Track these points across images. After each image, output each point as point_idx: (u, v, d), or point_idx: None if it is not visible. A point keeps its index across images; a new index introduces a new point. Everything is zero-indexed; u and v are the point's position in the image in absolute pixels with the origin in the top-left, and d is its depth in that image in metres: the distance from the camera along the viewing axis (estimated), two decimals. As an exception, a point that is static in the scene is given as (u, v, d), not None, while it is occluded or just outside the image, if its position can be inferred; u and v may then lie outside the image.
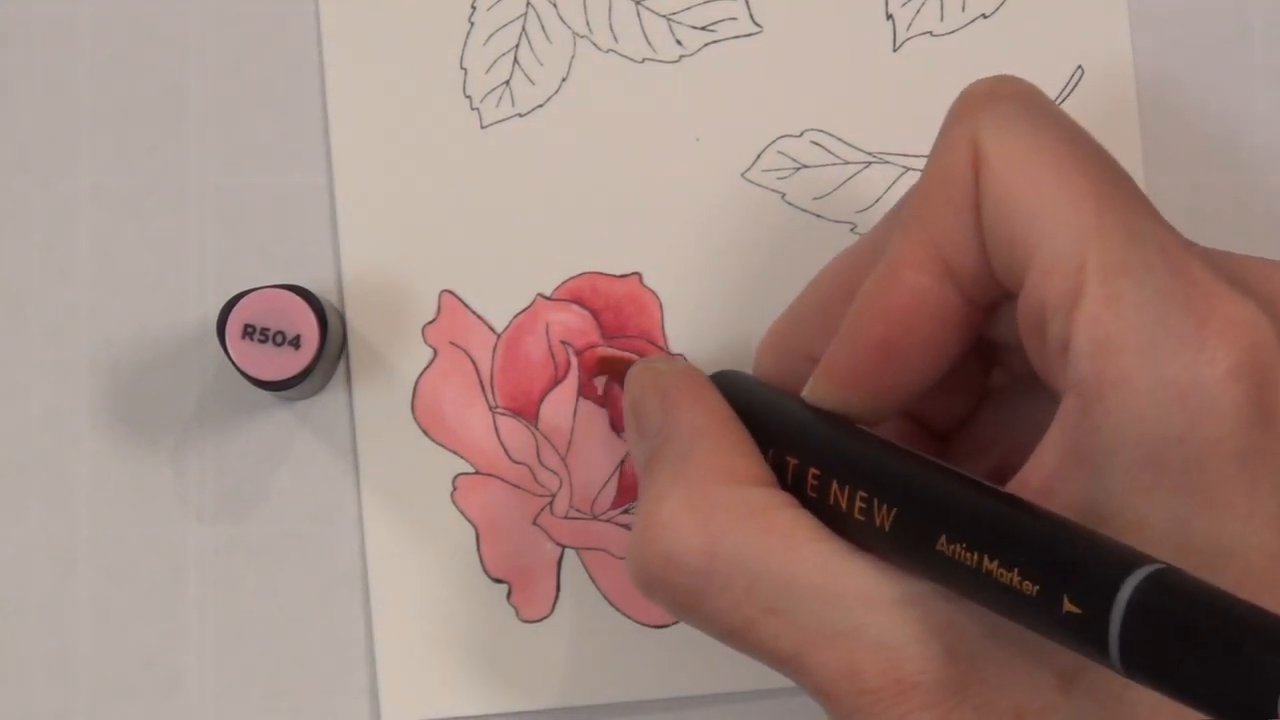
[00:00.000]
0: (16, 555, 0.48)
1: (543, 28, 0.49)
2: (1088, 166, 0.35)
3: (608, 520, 0.48)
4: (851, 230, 0.49)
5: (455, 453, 0.48)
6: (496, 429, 0.48)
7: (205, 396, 0.48)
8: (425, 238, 0.49)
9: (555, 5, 0.49)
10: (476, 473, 0.48)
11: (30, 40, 0.49)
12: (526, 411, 0.48)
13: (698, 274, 0.49)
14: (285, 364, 0.45)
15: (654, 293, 0.49)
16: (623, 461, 0.48)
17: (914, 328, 0.37)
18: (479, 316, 0.49)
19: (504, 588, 0.48)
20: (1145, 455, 0.33)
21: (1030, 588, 0.32)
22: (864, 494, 0.36)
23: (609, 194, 0.49)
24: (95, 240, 0.48)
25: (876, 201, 0.49)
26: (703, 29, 0.49)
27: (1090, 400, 0.33)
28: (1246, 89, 0.50)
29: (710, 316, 0.49)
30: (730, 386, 0.41)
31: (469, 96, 0.49)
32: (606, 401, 0.48)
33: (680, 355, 0.49)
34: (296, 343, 0.45)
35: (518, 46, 0.49)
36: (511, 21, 0.49)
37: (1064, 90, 0.50)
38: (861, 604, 0.35)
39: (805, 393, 0.39)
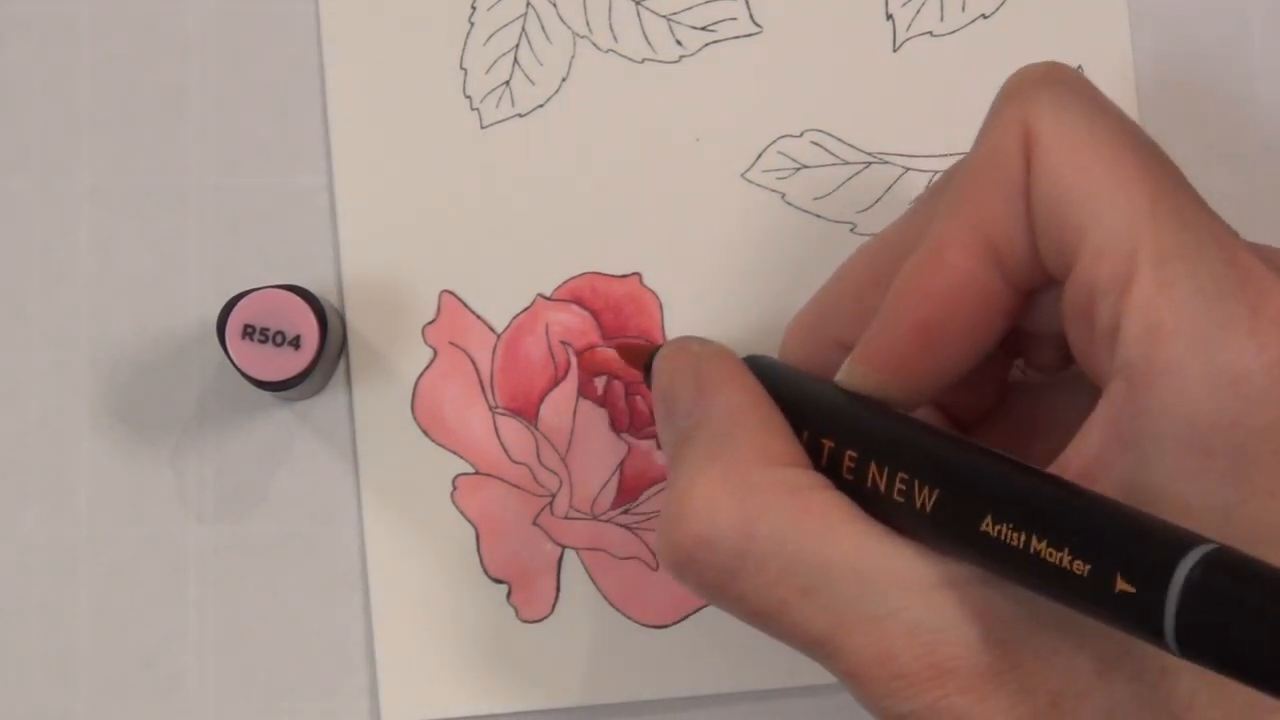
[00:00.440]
0: (16, 555, 0.48)
1: (543, 28, 0.49)
2: (1140, 153, 0.35)
3: (608, 520, 0.48)
4: (851, 230, 0.49)
5: (455, 453, 0.48)
6: (496, 429, 0.48)
7: (205, 396, 0.48)
8: (425, 238, 0.49)
9: (555, 5, 0.49)
10: (476, 473, 0.48)
11: (30, 40, 0.49)
12: (526, 411, 0.48)
13: (698, 274, 0.49)
14: (285, 364, 0.45)
15: (654, 293, 0.49)
16: (623, 461, 0.48)
17: (956, 311, 0.37)
18: (479, 316, 0.49)
19: (504, 588, 0.48)
20: (1193, 440, 0.33)
21: (1081, 568, 0.31)
22: (904, 475, 0.35)
23: (609, 194, 0.49)
24: (95, 240, 0.48)
25: (876, 201, 0.49)
26: (703, 29, 0.49)
27: (1139, 385, 0.33)
28: (1246, 88, 0.50)
29: (710, 316, 0.49)
30: (762, 370, 0.40)
31: (469, 96, 0.49)
32: (606, 401, 0.48)
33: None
34: (296, 343, 0.45)
35: (518, 47, 0.49)
36: (511, 22, 0.49)
37: (1064, 90, 0.50)
38: (897, 587, 0.35)
39: (840, 377, 0.39)
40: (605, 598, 0.48)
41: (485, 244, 0.49)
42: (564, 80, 0.49)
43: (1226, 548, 0.30)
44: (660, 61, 0.49)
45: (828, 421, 0.38)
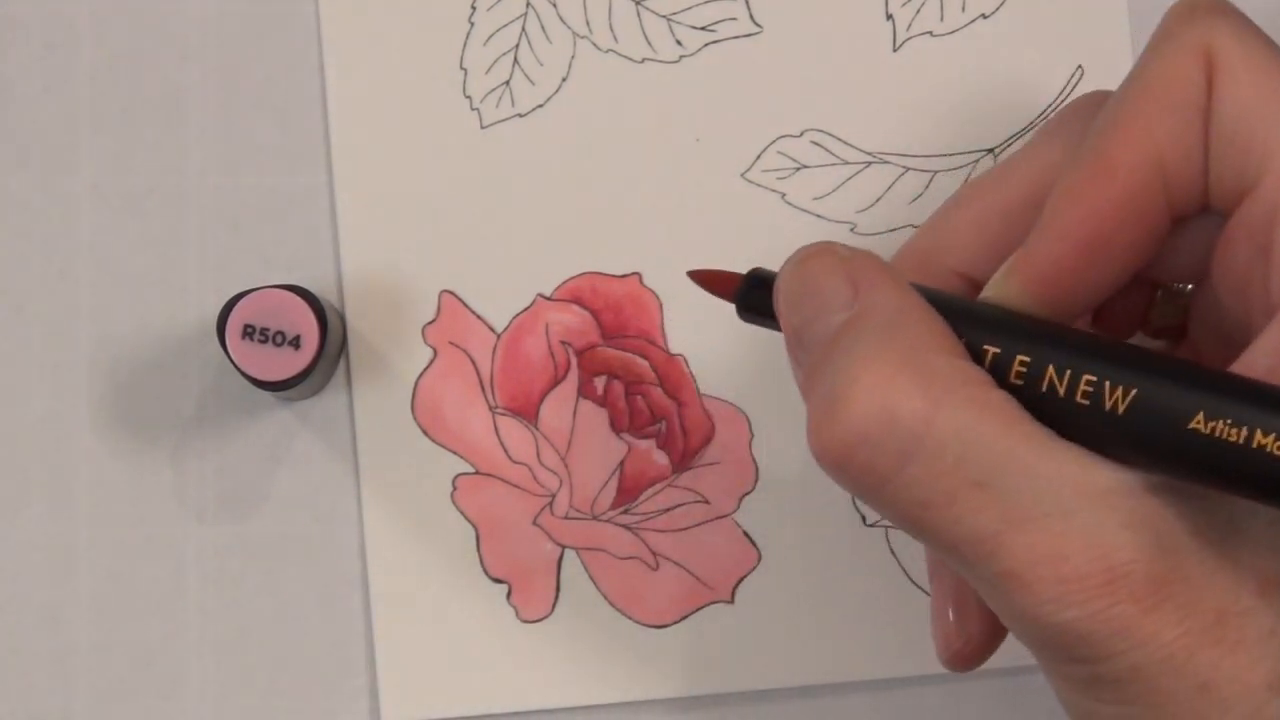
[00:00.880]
0: (16, 555, 0.48)
1: (543, 28, 0.49)
2: None
3: (607, 520, 0.48)
4: (851, 230, 0.49)
5: (455, 453, 0.48)
6: (496, 429, 0.48)
7: (205, 396, 0.48)
8: (425, 238, 0.49)
9: (555, 5, 0.49)
10: (476, 473, 0.48)
11: (30, 40, 0.49)
12: (526, 411, 0.48)
13: (698, 274, 0.49)
14: (285, 364, 0.45)
15: (654, 293, 0.49)
16: (623, 461, 0.48)
17: (1122, 226, 0.36)
18: (479, 316, 0.49)
19: (504, 588, 0.48)
20: None
21: None
22: (1091, 377, 0.34)
23: (609, 194, 0.49)
24: (95, 240, 0.48)
25: (876, 201, 0.49)
26: (703, 29, 0.49)
27: None
28: (1246, 89, 0.50)
29: (710, 316, 0.49)
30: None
31: (469, 96, 0.49)
32: (606, 401, 0.48)
33: (680, 356, 0.49)
34: (296, 343, 0.45)
35: (518, 47, 0.49)
36: (511, 22, 0.49)
37: (1064, 90, 0.50)
38: (1074, 488, 0.34)
39: (988, 292, 0.38)
40: (605, 598, 0.48)
41: (485, 244, 0.49)
42: (564, 80, 0.49)
43: None
44: (660, 61, 0.49)
45: (994, 327, 0.37)
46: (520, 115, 0.49)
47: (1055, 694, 0.35)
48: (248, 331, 0.45)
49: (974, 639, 0.39)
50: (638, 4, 0.49)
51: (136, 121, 0.49)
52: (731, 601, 0.48)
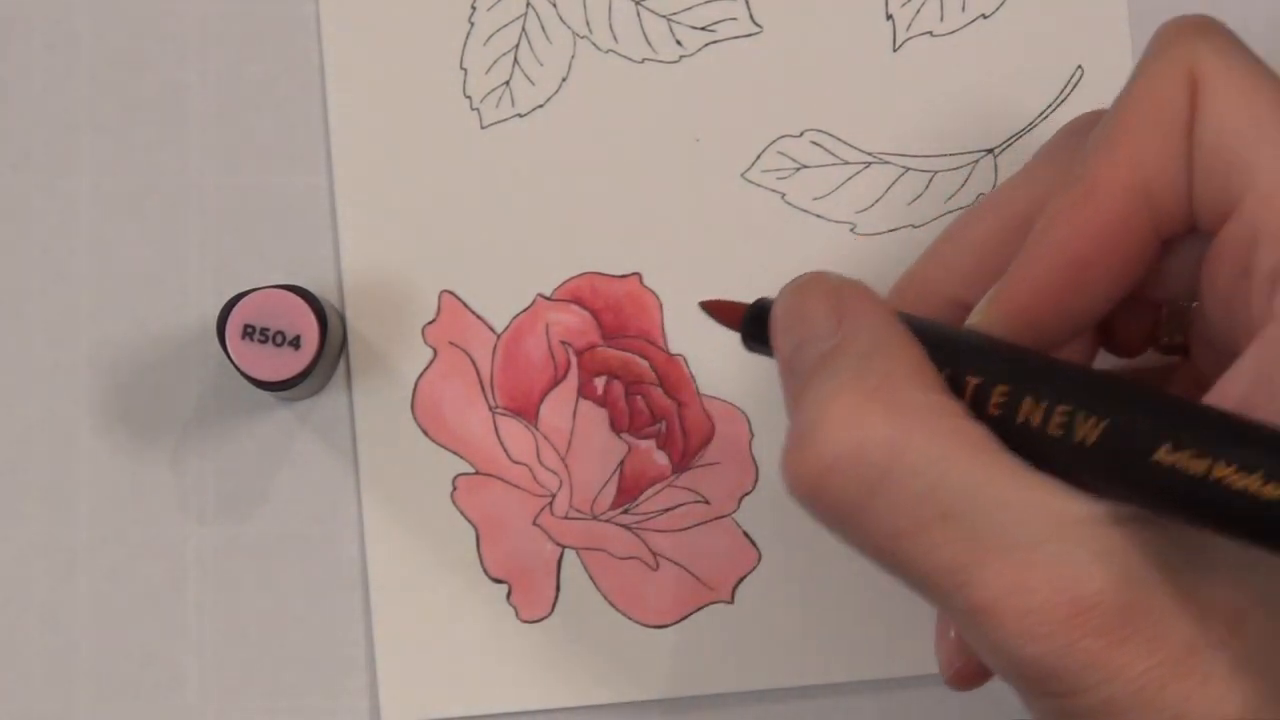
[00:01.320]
0: (16, 555, 0.48)
1: (543, 28, 0.49)
2: None
3: (607, 520, 0.48)
4: (851, 230, 0.49)
5: (455, 453, 0.48)
6: (496, 429, 0.48)
7: (205, 396, 0.48)
8: (425, 238, 0.49)
9: (555, 5, 0.49)
10: (476, 473, 0.48)
11: (30, 40, 0.49)
12: (526, 412, 0.48)
13: (698, 274, 0.49)
14: (285, 364, 0.45)
15: (654, 293, 0.49)
16: (623, 461, 0.48)
17: (1107, 251, 0.36)
18: (479, 316, 0.49)
19: (504, 588, 0.48)
20: None
21: (1274, 491, 0.31)
22: (1065, 408, 0.34)
23: (609, 194, 0.49)
24: (95, 240, 0.48)
25: (876, 201, 0.49)
26: (703, 29, 0.49)
27: None
28: (1246, 89, 0.50)
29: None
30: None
31: (469, 96, 0.49)
32: (606, 401, 0.48)
33: (679, 355, 0.49)
34: (296, 343, 0.45)
35: (518, 47, 0.49)
36: (511, 22, 0.49)
37: (1064, 90, 0.50)
38: (1043, 520, 0.34)
39: (973, 319, 0.38)
40: (605, 598, 0.48)
41: (485, 244, 0.49)
42: (564, 80, 0.49)
43: None
44: (660, 61, 0.49)
45: (976, 357, 0.37)
46: (520, 115, 0.49)
47: None
48: (248, 332, 0.45)
49: (975, 658, 0.39)
50: (638, 4, 0.49)
51: (136, 121, 0.49)
52: (731, 601, 0.48)
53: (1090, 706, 0.33)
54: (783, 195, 0.49)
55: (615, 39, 0.49)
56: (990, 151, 0.49)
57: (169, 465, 0.48)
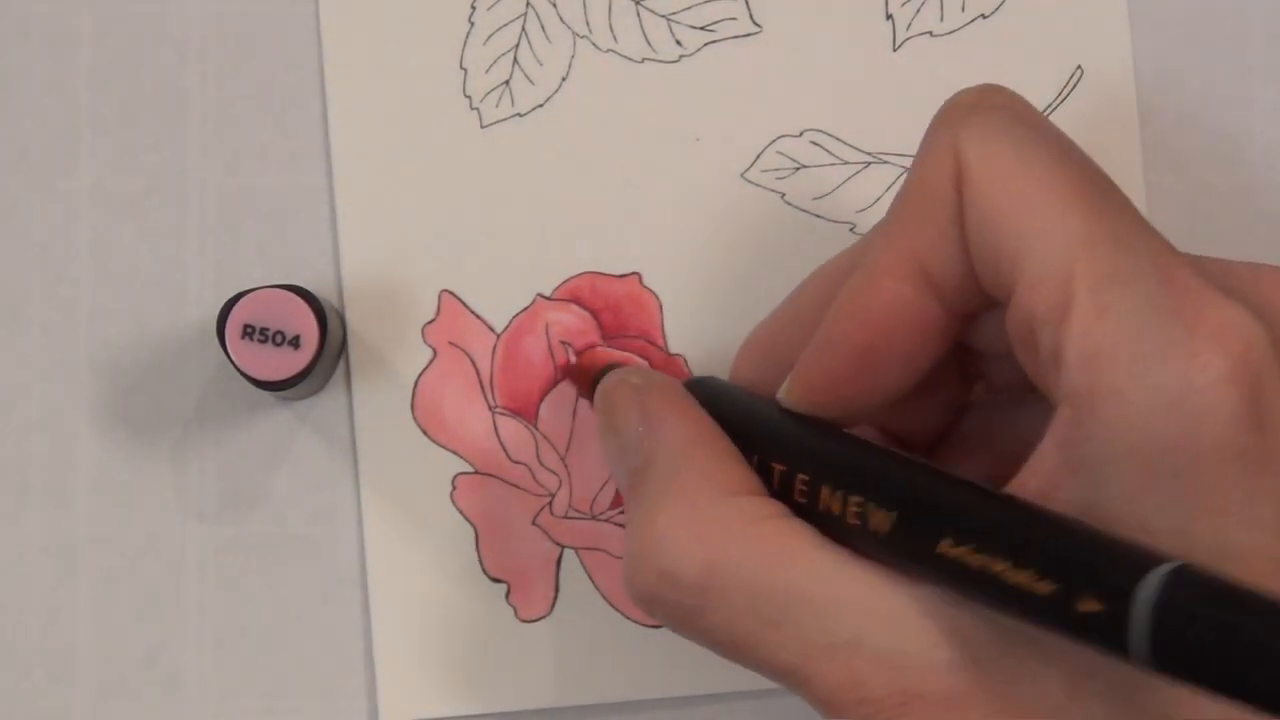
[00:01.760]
0: (16, 555, 0.48)
1: (542, 28, 0.49)
2: (1073, 176, 0.35)
3: (607, 520, 0.48)
4: (851, 230, 0.49)
5: (455, 453, 0.48)
6: (496, 429, 0.48)
7: (205, 396, 0.48)
8: (425, 238, 0.49)
9: (555, 5, 0.49)
10: (476, 473, 0.48)
11: (30, 40, 0.49)
12: (526, 411, 0.48)
13: (697, 274, 0.49)
14: (285, 364, 0.45)
15: (653, 293, 0.49)
16: (622, 461, 0.48)
17: (891, 336, 0.37)
18: (479, 316, 0.49)
19: (503, 587, 0.48)
20: (1141, 464, 0.32)
21: (1045, 588, 0.31)
22: (857, 499, 0.35)
23: (609, 194, 0.49)
24: (95, 240, 0.48)
25: (876, 201, 0.49)
26: (702, 29, 0.49)
27: (1083, 411, 0.33)
28: (1246, 89, 0.50)
29: (710, 316, 0.49)
30: (708, 394, 0.40)
31: (469, 96, 0.49)
32: (606, 401, 0.48)
33: (679, 356, 0.49)
34: (296, 343, 0.45)
35: (517, 46, 0.49)
36: (511, 21, 0.49)
37: (1064, 90, 0.50)
38: (861, 613, 0.34)
39: (780, 395, 0.39)
40: (604, 597, 0.48)
41: (485, 244, 0.49)
42: (564, 80, 0.49)
43: (1190, 564, 0.30)
44: (660, 61, 0.49)
45: (777, 445, 0.38)
46: (520, 115, 0.49)
47: None
48: (247, 331, 0.45)
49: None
50: (638, 4, 0.49)
51: (136, 121, 0.49)
52: (731, 601, 0.48)
53: None
54: (782, 195, 0.49)
55: (615, 39, 0.49)
56: (990, 151, 0.49)
57: (169, 465, 0.48)
